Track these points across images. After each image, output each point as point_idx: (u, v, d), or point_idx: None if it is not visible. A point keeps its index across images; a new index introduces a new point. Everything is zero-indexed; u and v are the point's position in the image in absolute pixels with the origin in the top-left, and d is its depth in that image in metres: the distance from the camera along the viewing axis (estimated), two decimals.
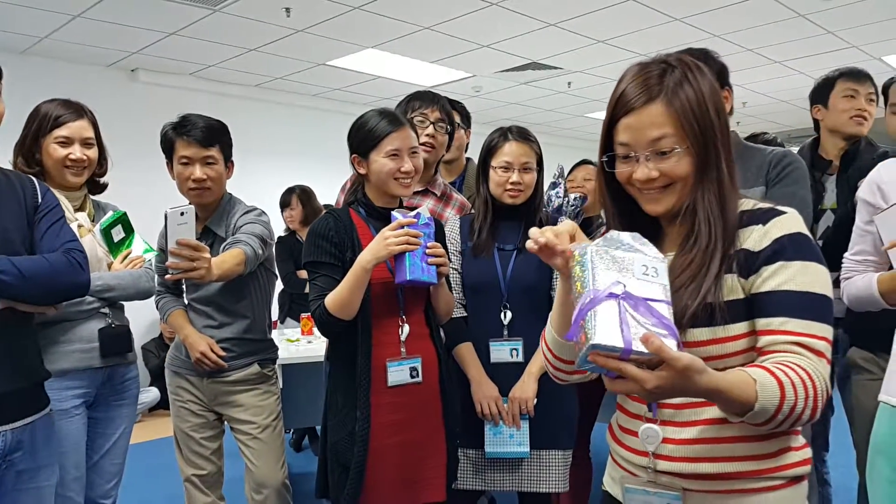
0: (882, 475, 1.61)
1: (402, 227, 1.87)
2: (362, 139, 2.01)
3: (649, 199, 1.20)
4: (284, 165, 7.11)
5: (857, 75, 2.63)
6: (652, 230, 1.27)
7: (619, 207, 1.27)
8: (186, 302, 2.49)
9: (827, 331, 1.09)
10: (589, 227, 2.84)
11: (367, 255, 1.86)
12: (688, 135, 1.14)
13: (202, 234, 2.38)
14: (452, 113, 2.64)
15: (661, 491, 1.19)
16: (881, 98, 2.50)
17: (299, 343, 4.09)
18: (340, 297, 1.88)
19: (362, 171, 2.04)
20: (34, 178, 1.85)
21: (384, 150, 1.97)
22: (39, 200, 1.79)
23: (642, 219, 1.26)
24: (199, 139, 2.29)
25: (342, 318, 1.89)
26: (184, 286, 2.52)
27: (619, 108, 1.18)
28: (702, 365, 0.97)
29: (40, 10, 4.78)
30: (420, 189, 2.49)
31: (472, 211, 2.60)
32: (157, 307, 2.52)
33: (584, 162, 3.08)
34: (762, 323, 1.11)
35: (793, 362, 1.05)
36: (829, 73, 2.72)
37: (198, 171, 2.30)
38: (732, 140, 2.21)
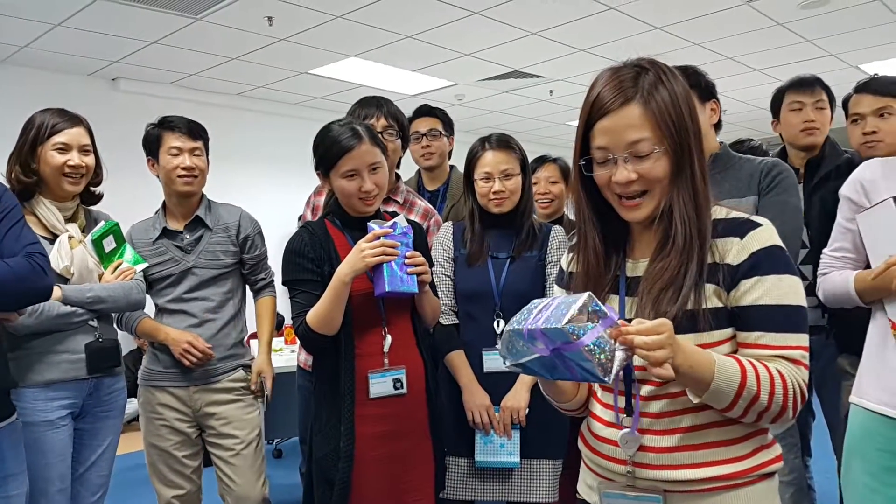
0: (856, 478, 1.63)
1: (378, 237, 1.85)
2: (320, 157, 1.98)
3: (629, 208, 1.21)
4: (266, 174, 7.09)
5: (803, 85, 2.65)
6: (624, 236, 1.30)
7: (594, 210, 1.28)
8: (158, 305, 2.45)
9: (802, 339, 1.15)
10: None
11: (345, 269, 1.84)
12: (665, 136, 1.15)
13: (191, 223, 2.45)
14: (401, 115, 2.62)
15: (641, 494, 1.21)
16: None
17: (282, 353, 4.07)
18: (321, 313, 1.85)
19: (327, 186, 2.03)
20: None
21: (341, 170, 1.93)
22: None
23: (615, 224, 1.28)
24: (186, 132, 2.41)
25: (325, 334, 1.87)
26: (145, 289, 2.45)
27: (594, 112, 1.19)
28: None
29: (21, 18, 4.73)
30: None
31: (436, 217, 2.60)
32: (118, 322, 2.44)
33: (545, 160, 3.02)
34: (741, 336, 1.16)
35: (766, 363, 1.11)
36: (781, 84, 2.74)
37: (188, 160, 2.39)
38: (722, 152, 2.25)
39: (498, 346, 2.04)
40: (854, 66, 6.42)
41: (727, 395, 1.08)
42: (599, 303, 1.01)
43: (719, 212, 1.22)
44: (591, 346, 0.97)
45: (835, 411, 2.32)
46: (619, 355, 0.99)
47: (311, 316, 1.87)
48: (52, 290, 1.81)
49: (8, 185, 2.15)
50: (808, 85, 2.64)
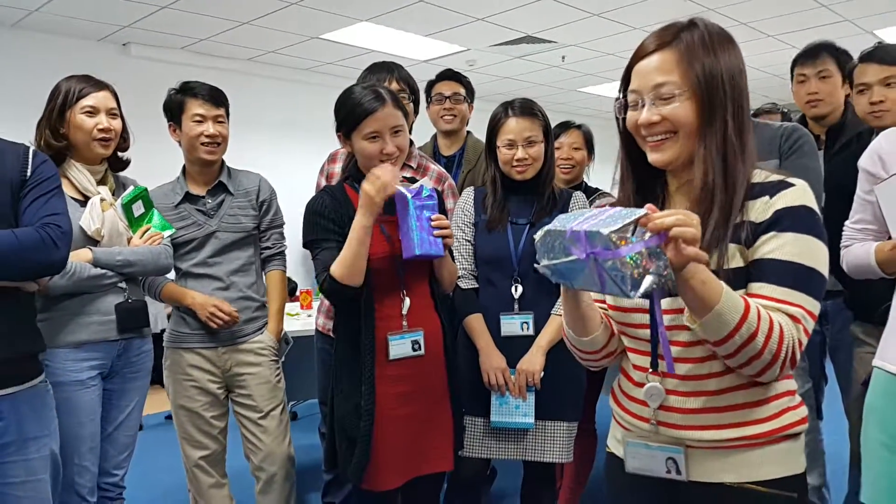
0: (875, 439, 1.66)
1: (385, 185, 1.84)
2: (343, 118, 1.99)
3: (653, 148, 1.22)
4: (277, 139, 7.09)
5: (806, 56, 2.64)
6: (661, 194, 1.31)
7: (632, 164, 1.30)
8: (182, 269, 2.48)
9: (806, 300, 1.12)
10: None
11: (362, 213, 1.86)
12: (690, 82, 1.16)
13: (213, 188, 2.48)
14: (412, 80, 2.63)
15: (664, 445, 1.24)
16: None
17: (298, 317, 4.12)
18: (345, 261, 1.86)
19: (347, 148, 2.04)
20: (31, 150, 1.83)
21: (364, 132, 1.94)
22: (28, 174, 1.77)
23: (653, 182, 1.30)
24: (210, 99, 2.41)
25: (351, 284, 1.87)
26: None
27: (634, 58, 1.23)
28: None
29: None
30: None
31: (449, 181, 2.62)
32: (142, 287, 2.45)
33: (569, 125, 3.03)
34: (749, 288, 1.15)
35: (769, 311, 1.09)
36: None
37: (211, 128, 2.40)
38: None
39: (515, 311, 2.02)
40: (869, 32, 6.33)
41: (727, 324, 1.05)
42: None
43: (758, 175, 1.22)
44: (628, 259, 0.96)
45: (847, 376, 2.35)
46: (650, 277, 0.98)
47: (336, 267, 1.87)
48: (63, 262, 1.78)
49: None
50: (811, 55, 2.63)
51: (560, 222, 1.09)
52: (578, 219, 1.06)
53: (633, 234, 0.98)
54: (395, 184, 1.86)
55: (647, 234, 0.98)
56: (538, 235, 1.13)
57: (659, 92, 1.18)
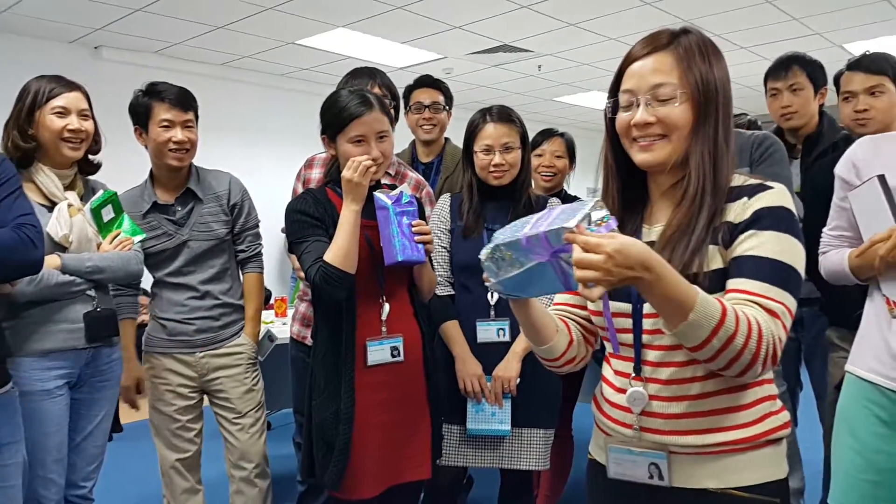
0: (844, 442, 1.70)
1: (366, 167, 1.87)
2: (329, 121, 1.98)
3: (642, 148, 1.21)
4: (251, 145, 7.03)
5: (777, 70, 2.68)
6: (643, 201, 1.30)
7: (618, 168, 1.29)
8: (156, 278, 2.44)
9: (785, 297, 1.11)
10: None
11: (349, 200, 1.87)
12: (690, 85, 1.17)
13: (182, 195, 2.43)
14: (393, 86, 2.63)
15: (646, 450, 1.23)
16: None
17: (273, 325, 4.07)
18: (339, 247, 1.84)
19: (332, 151, 2.03)
20: None
21: (349, 135, 1.93)
22: None
23: (636, 189, 1.29)
24: (178, 103, 2.35)
25: (347, 271, 1.84)
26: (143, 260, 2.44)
27: (627, 59, 1.23)
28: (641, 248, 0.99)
29: None
30: None
31: (427, 189, 2.62)
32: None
33: (552, 133, 3.04)
34: (726, 284, 1.15)
35: (744, 309, 1.08)
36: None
37: (179, 134, 2.34)
38: None
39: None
40: (838, 45, 6.46)
41: (704, 329, 1.03)
42: (607, 210, 1.01)
43: (737, 179, 1.23)
44: None
45: (822, 382, 2.38)
46: None
47: (331, 253, 1.84)
48: (41, 262, 1.78)
49: (4, 153, 2.10)
50: (782, 69, 2.67)
51: (506, 235, 1.08)
52: (525, 227, 1.06)
53: (589, 225, 0.99)
54: (373, 169, 1.87)
55: (603, 224, 0.99)
56: (483, 254, 1.12)
57: (656, 92, 1.18)
